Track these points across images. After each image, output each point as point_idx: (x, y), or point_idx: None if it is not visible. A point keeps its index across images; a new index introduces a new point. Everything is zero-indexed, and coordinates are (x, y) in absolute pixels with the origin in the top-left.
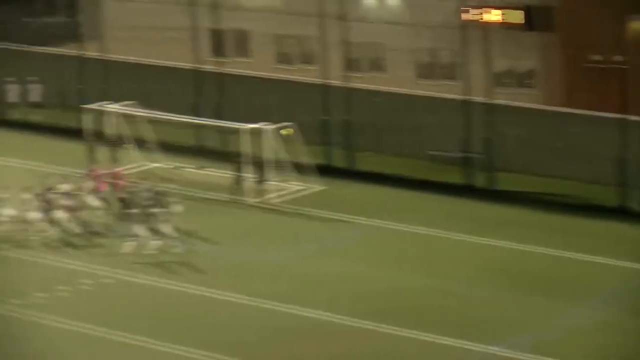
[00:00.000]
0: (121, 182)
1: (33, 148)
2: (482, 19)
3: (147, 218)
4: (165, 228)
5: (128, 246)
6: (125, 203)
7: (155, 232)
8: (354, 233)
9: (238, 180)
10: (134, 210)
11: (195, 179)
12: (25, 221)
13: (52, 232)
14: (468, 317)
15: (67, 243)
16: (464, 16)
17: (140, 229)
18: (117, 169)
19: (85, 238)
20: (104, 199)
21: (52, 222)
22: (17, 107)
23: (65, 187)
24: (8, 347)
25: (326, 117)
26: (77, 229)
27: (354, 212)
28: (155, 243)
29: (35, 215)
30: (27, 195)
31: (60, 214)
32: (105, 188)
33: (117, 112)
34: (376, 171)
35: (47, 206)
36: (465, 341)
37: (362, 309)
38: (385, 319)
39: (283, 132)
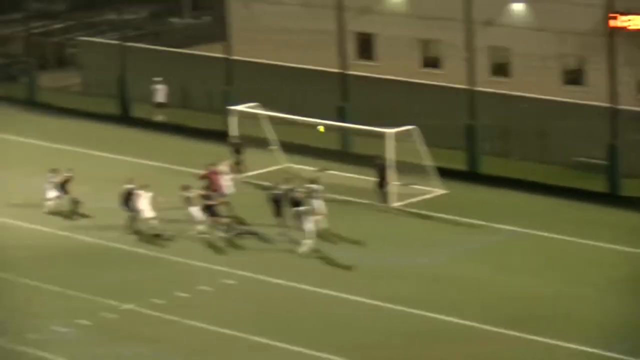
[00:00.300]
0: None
1: (167, 148)
2: (630, 25)
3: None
4: (309, 226)
5: (304, 245)
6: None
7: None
8: (497, 238)
9: (378, 184)
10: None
11: (336, 182)
12: (191, 220)
13: (213, 232)
14: (604, 324)
15: (217, 242)
16: (612, 23)
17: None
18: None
19: (230, 238)
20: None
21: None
22: (164, 107)
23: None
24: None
25: (472, 121)
26: (226, 229)
27: (485, 217)
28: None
29: (197, 213)
30: (187, 194)
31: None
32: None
33: (262, 114)
34: (505, 176)
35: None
36: (601, 350)
37: (493, 314)
38: (517, 325)
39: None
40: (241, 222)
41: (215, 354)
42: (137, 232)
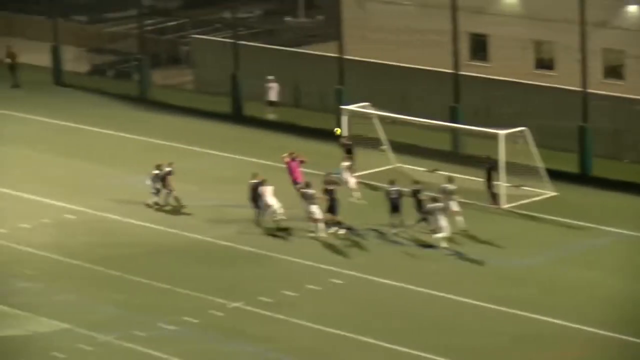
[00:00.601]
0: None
1: (278, 147)
2: None
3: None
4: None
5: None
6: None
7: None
8: (605, 240)
9: (488, 186)
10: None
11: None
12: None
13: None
14: None
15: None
16: None
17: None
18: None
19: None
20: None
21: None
22: (276, 105)
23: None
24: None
25: (584, 123)
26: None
27: (595, 220)
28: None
29: (317, 211)
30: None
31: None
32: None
33: (374, 114)
34: (615, 178)
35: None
36: None
37: (602, 317)
38: (626, 329)
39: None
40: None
41: (323, 353)
42: (263, 227)
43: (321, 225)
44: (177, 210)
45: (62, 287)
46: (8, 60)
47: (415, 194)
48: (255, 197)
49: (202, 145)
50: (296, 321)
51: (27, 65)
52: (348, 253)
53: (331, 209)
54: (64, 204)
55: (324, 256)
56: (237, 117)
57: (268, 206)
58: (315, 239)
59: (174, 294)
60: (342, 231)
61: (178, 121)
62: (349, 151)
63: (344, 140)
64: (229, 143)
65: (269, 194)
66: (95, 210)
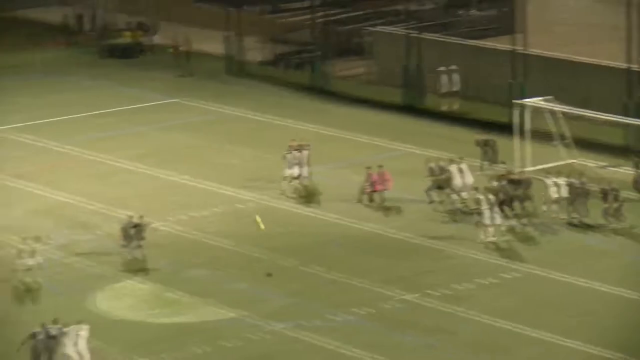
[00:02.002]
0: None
1: (452, 139)
2: None
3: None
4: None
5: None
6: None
7: None
8: None
9: None
10: None
11: (620, 178)
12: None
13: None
14: None
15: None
16: None
17: None
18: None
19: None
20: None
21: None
22: (451, 96)
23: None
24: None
25: None
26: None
27: None
28: None
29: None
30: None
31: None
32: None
33: (548, 108)
34: None
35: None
36: None
37: None
38: None
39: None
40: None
41: (495, 348)
42: (452, 212)
43: (490, 230)
44: (346, 200)
45: (234, 275)
46: (182, 49)
47: (604, 191)
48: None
49: (379, 137)
50: (468, 314)
51: (201, 53)
52: (521, 247)
53: (506, 202)
54: (236, 193)
55: (497, 250)
56: (412, 109)
57: (459, 189)
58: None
59: (345, 285)
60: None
61: (355, 112)
62: (485, 147)
63: (480, 138)
64: (405, 135)
65: (457, 178)
66: (269, 199)
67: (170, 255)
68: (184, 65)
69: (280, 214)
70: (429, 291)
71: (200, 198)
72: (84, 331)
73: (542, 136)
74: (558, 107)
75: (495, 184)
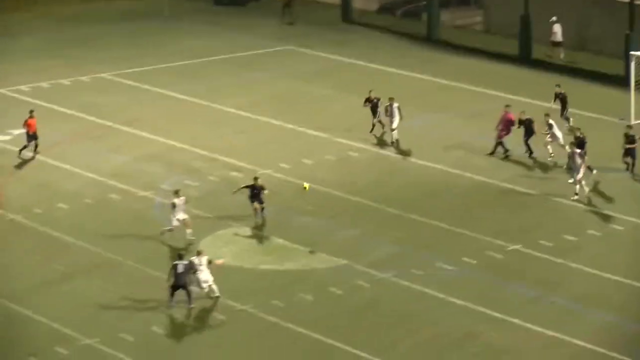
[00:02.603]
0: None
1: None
2: None
3: None
4: None
5: None
6: None
7: None
8: None
9: None
10: None
11: None
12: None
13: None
14: None
15: None
16: None
17: None
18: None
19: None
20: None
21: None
22: (561, 47)
23: None
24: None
25: None
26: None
27: None
28: None
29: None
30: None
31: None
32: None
33: None
34: None
35: None
36: None
37: None
38: None
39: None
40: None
41: (602, 299)
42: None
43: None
44: (456, 149)
45: (343, 223)
46: None
47: None
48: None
49: (490, 87)
50: (575, 266)
51: (317, 1)
52: (627, 200)
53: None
54: (346, 141)
55: (604, 202)
56: (525, 59)
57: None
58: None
59: (453, 235)
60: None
61: (466, 62)
62: (563, 102)
63: (558, 90)
64: (516, 85)
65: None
66: (377, 148)
67: (278, 203)
68: (290, 12)
69: (389, 163)
70: (538, 241)
71: (310, 146)
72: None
73: None
74: None
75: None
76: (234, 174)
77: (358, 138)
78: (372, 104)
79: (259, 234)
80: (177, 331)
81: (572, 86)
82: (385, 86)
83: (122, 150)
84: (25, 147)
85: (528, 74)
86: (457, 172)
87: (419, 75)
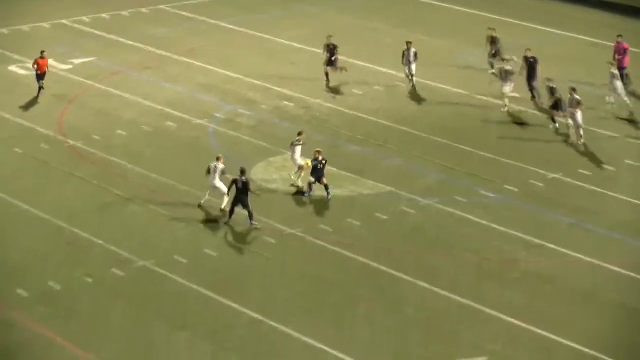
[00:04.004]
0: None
1: (598, 23)
2: None
3: None
4: None
5: None
6: None
7: None
8: None
9: None
10: None
11: None
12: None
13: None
14: None
15: None
16: None
17: None
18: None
19: None
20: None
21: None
22: None
23: None
24: None
25: None
26: None
27: None
28: None
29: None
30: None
31: None
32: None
33: None
34: None
35: None
36: None
37: None
38: None
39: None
40: None
41: (635, 227)
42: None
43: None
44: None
45: (390, 152)
46: None
47: None
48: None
49: (536, 21)
50: (614, 195)
51: None
52: None
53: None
54: (393, 72)
55: None
56: None
57: None
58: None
59: (496, 163)
60: None
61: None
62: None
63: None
64: (567, 21)
65: None
66: (425, 79)
67: (327, 131)
68: None
69: (439, 94)
70: (578, 170)
71: (360, 76)
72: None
73: None
74: None
75: None
76: (286, 103)
77: (401, 68)
78: (329, 51)
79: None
80: (227, 253)
81: (606, 20)
82: (430, 19)
83: (178, 80)
84: (40, 87)
85: (574, 9)
86: (500, 103)
87: (465, 9)
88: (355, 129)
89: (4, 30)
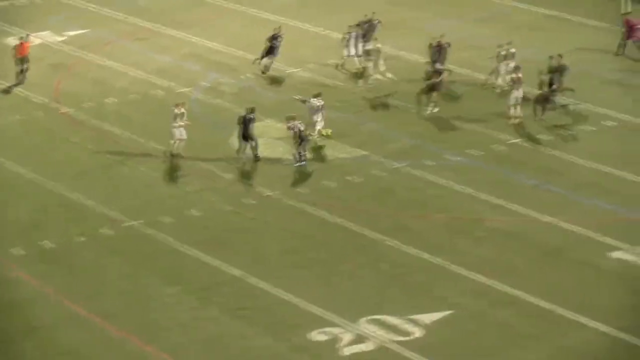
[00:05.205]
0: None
1: None
2: None
3: None
4: None
5: None
6: None
7: None
8: None
9: None
10: None
11: None
12: None
13: None
14: None
15: None
16: None
17: None
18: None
19: None
20: None
21: None
22: None
23: None
24: None
25: None
26: None
27: None
28: None
29: None
30: None
31: None
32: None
33: None
34: None
35: None
36: None
37: None
38: None
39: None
40: None
41: (602, 189)
42: None
43: None
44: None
45: (367, 117)
46: None
47: None
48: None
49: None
50: (574, 158)
51: None
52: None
53: None
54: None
55: (598, 98)
56: None
57: None
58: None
59: (461, 130)
60: None
61: None
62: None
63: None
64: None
65: None
66: (400, 50)
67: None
68: None
69: (411, 64)
70: (537, 136)
71: (335, 47)
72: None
73: None
74: None
75: None
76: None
77: (386, 39)
78: (273, 39)
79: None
80: (212, 213)
81: None
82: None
83: (166, 51)
84: (21, 71)
85: None
86: (467, 72)
87: None
88: (329, 96)
89: (2, 3)
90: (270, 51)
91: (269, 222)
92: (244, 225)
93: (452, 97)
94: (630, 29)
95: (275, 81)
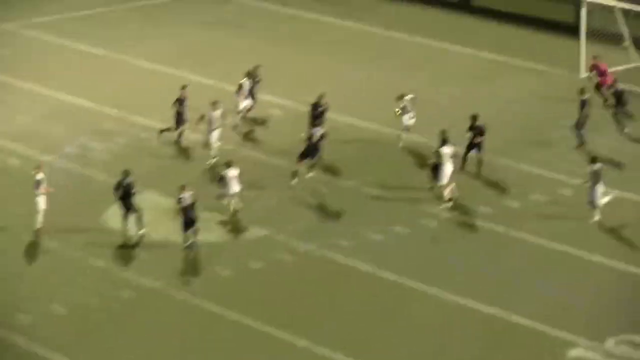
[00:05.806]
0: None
1: (509, 39)
2: None
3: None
4: None
5: None
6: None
7: None
8: None
9: None
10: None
11: None
12: None
13: None
14: None
15: None
16: None
17: None
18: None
19: None
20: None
21: None
22: None
23: None
24: None
25: None
26: None
27: None
28: None
29: None
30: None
31: None
32: (609, 82)
33: (619, 6)
34: None
35: None
36: None
37: None
38: None
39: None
40: None
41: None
42: None
43: None
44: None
45: (265, 189)
46: None
47: None
48: None
49: (429, 36)
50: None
51: None
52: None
53: None
54: (270, 97)
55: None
56: (465, 6)
57: None
58: None
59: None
60: None
61: (404, 9)
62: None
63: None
64: (459, 35)
65: None
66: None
67: (197, 163)
68: None
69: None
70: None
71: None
72: None
73: (609, 37)
74: (628, 6)
75: None
76: (145, 135)
77: (288, 92)
78: (180, 102)
79: (170, 200)
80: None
81: (516, 35)
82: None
83: (19, 110)
84: None
85: (466, 20)
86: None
87: (352, 24)
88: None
89: None
90: (178, 118)
91: (148, 324)
92: (119, 328)
93: (369, 163)
94: (601, 75)
95: (156, 145)
